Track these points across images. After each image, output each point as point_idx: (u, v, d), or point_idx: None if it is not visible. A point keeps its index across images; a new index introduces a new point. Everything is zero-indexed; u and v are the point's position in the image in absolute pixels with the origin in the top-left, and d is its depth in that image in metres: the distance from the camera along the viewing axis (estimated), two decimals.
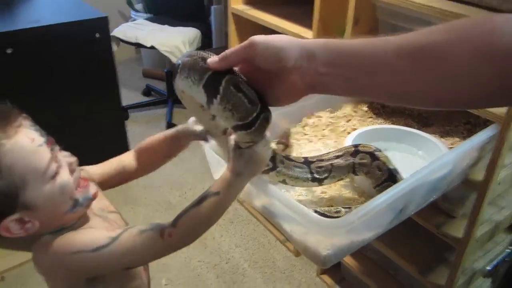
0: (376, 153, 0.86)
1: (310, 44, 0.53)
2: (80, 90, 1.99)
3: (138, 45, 2.61)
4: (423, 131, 1.06)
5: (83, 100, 2.02)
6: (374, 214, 0.72)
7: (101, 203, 0.81)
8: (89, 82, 2.01)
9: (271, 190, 0.75)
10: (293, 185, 0.87)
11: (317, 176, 0.85)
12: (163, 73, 3.01)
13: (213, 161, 1.00)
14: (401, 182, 0.78)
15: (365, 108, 1.16)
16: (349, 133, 1.02)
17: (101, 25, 1.97)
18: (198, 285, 1.69)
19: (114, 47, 2.61)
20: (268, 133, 0.64)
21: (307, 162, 0.85)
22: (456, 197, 1.12)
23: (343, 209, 0.76)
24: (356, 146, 0.88)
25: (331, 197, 0.88)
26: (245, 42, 0.55)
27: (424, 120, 1.16)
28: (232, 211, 2.04)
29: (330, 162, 0.86)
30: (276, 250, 1.83)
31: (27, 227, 0.66)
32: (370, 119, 1.13)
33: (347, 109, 1.13)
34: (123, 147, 2.20)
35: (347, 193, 0.90)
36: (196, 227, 0.68)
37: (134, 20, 2.98)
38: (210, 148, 0.89)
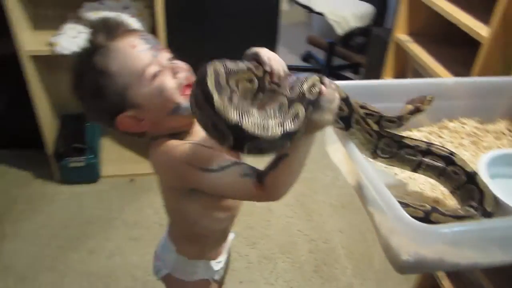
0: (452, 157, 0.75)
1: None
2: (239, 35, 2.08)
3: (309, 9, 2.61)
4: None
5: (237, 44, 2.11)
6: (489, 236, 0.63)
7: None
8: (250, 32, 2.10)
9: (365, 170, 0.71)
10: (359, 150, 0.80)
11: (379, 153, 0.78)
12: (326, 43, 2.99)
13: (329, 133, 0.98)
14: None
15: None
16: None
17: None
18: (291, 251, 1.71)
19: (286, 6, 2.67)
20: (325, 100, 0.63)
21: (379, 134, 0.77)
22: None
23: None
24: (429, 144, 0.77)
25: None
26: None
27: None
28: (348, 196, 1.98)
29: (397, 150, 0.77)
30: (376, 250, 1.74)
31: (142, 124, 0.76)
32: None
33: (501, 124, 0.97)
34: None
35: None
36: (280, 186, 0.72)
37: None
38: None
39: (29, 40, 1.66)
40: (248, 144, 0.57)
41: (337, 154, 0.99)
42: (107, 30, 0.75)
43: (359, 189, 0.85)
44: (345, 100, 0.72)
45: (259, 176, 0.71)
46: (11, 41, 1.58)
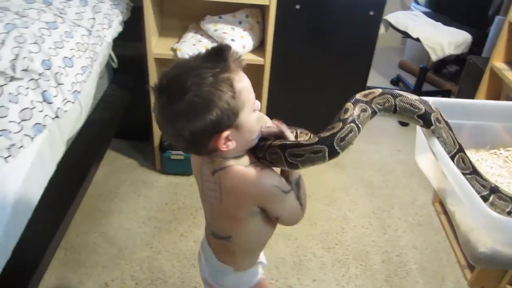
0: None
1: None
2: (337, 53, 2.22)
3: (405, 34, 2.69)
4: None
5: (336, 63, 2.25)
6: None
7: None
8: (347, 51, 2.23)
9: (446, 163, 0.80)
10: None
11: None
12: (418, 68, 3.02)
13: (419, 143, 1.08)
14: None
15: None
16: None
17: (378, 5, 2.13)
18: (364, 259, 1.78)
19: (382, 30, 2.76)
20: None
21: (460, 148, 0.88)
22: None
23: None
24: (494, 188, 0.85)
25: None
26: None
27: None
28: (426, 217, 2.01)
29: (470, 174, 0.86)
30: (450, 270, 1.76)
31: (228, 144, 0.81)
32: None
33: None
34: None
35: None
36: (305, 205, 0.93)
37: (412, 11, 3.04)
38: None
39: (156, 45, 1.93)
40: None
41: (424, 161, 1.09)
42: (236, 56, 0.80)
43: (442, 191, 0.94)
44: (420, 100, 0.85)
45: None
46: (142, 45, 1.85)
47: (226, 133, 0.79)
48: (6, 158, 1.11)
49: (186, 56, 1.81)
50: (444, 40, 2.49)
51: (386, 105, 0.86)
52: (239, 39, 1.89)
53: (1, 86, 1.19)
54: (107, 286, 1.61)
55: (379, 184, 2.21)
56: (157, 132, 2.10)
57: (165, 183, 2.14)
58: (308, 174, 2.16)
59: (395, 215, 2.02)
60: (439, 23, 2.68)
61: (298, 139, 0.94)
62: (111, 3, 1.86)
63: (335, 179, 2.22)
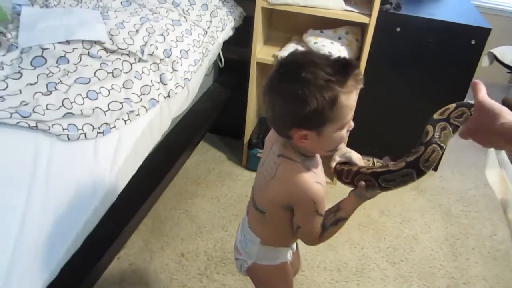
0: None
1: None
2: (432, 79, 2.25)
3: (509, 69, 2.61)
4: None
5: (429, 89, 2.27)
6: None
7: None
8: (442, 77, 2.24)
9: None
10: None
11: None
12: None
13: (490, 157, 1.12)
14: None
15: None
16: None
17: (481, 35, 2.12)
18: (428, 279, 1.78)
19: (486, 63, 2.71)
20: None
21: None
22: None
23: None
24: None
25: None
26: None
27: None
28: (502, 253, 1.94)
29: None
30: None
31: (303, 141, 0.88)
32: None
33: None
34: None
35: None
36: (330, 237, 1.03)
37: None
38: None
39: (260, 51, 2.13)
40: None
41: (493, 176, 1.13)
42: (358, 77, 0.84)
43: (505, 201, 0.98)
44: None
45: (322, 228, 1.00)
46: (248, 50, 2.06)
47: (305, 132, 0.86)
48: (125, 120, 1.36)
49: None
50: None
51: (464, 116, 0.92)
52: (336, 53, 2.02)
53: (131, 64, 1.45)
54: (183, 255, 1.81)
55: (457, 213, 2.17)
56: (248, 130, 2.30)
57: (248, 177, 2.31)
58: (386, 192, 2.21)
59: (469, 245, 1.98)
60: None
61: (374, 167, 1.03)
62: (227, 10, 2.11)
63: (412, 200, 2.23)
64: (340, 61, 0.84)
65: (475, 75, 2.23)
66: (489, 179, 1.17)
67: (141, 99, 1.44)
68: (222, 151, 2.50)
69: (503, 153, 1.03)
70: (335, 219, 1.00)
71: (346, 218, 1.01)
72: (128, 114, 1.37)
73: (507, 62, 2.59)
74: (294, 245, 1.22)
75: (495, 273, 1.84)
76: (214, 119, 2.09)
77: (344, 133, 0.90)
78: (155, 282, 1.68)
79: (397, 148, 2.45)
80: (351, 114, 0.87)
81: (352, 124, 0.91)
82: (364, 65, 1.98)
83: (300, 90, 0.82)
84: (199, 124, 1.92)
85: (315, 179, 0.94)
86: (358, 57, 2.11)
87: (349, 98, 0.84)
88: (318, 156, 1.00)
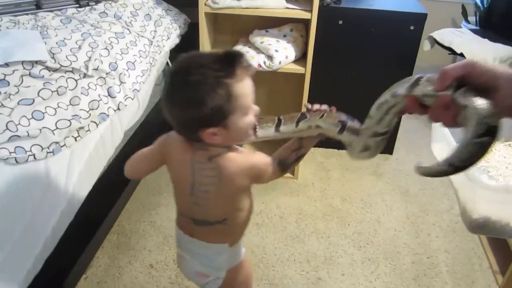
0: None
1: None
2: (376, 67, 2.34)
3: (450, 50, 2.74)
4: None
5: (374, 77, 2.36)
6: None
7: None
8: (387, 65, 2.33)
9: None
10: None
11: None
12: None
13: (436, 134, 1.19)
14: None
15: None
16: None
17: (419, 20, 2.23)
18: (394, 259, 1.85)
19: (427, 47, 2.83)
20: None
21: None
22: None
23: None
24: None
25: None
26: (463, 62, 0.63)
27: None
28: (461, 224, 2.03)
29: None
30: (482, 274, 1.77)
31: (214, 138, 0.90)
32: None
33: None
34: (393, 136, 2.47)
35: None
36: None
37: (460, 28, 3.08)
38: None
39: None
40: None
41: (439, 149, 1.19)
42: (245, 64, 0.87)
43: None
44: None
45: (282, 166, 1.01)
46: None
47: (212, 130, 0.88)
48: (75, 138, 1.34)
49: None
50: (488, 55, 2.51)
51: None
52: (282, 50, 2.07)
53: (76, 80, 1.44)
54: (152, 267, 1.80)
55: (415, 192, 2.26)
56: None
57: None
58: (345, 180, 2.28)
59: (429, 221, 2.06)
60: (486, 40, 2.70)
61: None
62: (171, 18, 2.12)
63: (371, 185, 2.30)
64: (224, 55, 0.87)
65: (418, 58, 2.33)
66: (435, 153, 1.23)
67: (90, 115, 1.42)
68: None
69: (445, 128, 1.09)
70: (297, 156, 1.02)
71: (306, 153, 1.03)
72: (77, 130, 1.35)
73: (446, 44, 2.71)
74: None
75: (455, 244, 1.92)
76: (169, 129, 2.09)
77: (251, 118, 0.92)
78: None
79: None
80: (249, 99, 0.90)
81: (255, 108, 0.93)
82: (310, 60, 2.04)
83: (193, 94, 0.85)
84: (153, 135, 1.91)
85: (244, 151, 0.98)
86: (305, 53, 2.16)
87: (243, 86, 0.87)
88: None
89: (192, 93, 0.85)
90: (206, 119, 0.87)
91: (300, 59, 2.16)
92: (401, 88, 0.72)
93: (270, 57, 2.05)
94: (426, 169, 0.63)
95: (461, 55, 2.61)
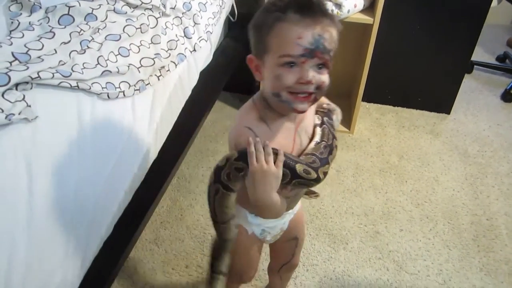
0: None
1: None
2: (445, 23, 2.24)
3: None
4: None
5: (442, 33, 2.26)
6: None
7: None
8: (455, 21, 2.23)
9: None
10: None
11: None
12: None
13: None
14: None
15: None
16: None
17: None
18: (452, 218, 1.84)
19: (495, 2, 2.68)
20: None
21: None
22: None
23: None
24: None
25: None
26: None
27: None
28: None
29: None
30: None
31: (256, 73, 0.88)
32: None
33: None
34: (452, 96, 2.40)
35: None
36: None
37: None
38: None
39: None
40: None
41: None
42: (308, 12, 0.80)
43: None
44: None
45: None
46: (259, 3, 2.01)
47: (255, 61, 0.86)
48: (158, 76, 1.34)
49: None
50: None
51: None
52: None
53: (157, 18, 1.42)
54: None
55: (474, 154, 2.22)
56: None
57: None
58: (401, 137, 2.25)
59: (488, 183, 2.03)
60: None
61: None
62: None
63: (428, 144, 2.26)
64: None
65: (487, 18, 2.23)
66: None
67: (170, 54, 1.41)
68: (236, 107, 2.49)
69: None
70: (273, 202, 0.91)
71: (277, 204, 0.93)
72: (159, 70, 1.35)
73: None
74: (270, 223, 1.11)
75: None
76: (231, 73, 2.06)
77: (283, 74, 0.81)
78: (190, 237, 1.72)
79: (409, 92, 2.46)
80: (288, 49, 0.79)
81: (298, 70, 0.81)
82: (380, 10, 1.95)
83: (256, 17, 0.86)
84: (219, 78, 1.90)
85: (253, 126, 0.89)
86: (372, 2, 2.07)
87: (289, 30, 0.79)
88: (297, 126, 0.95)
89: (256, 17, 0.86)
90: (253, 44, 0.87)
91: (368, 8, 2.08)
92: None
93: (338, 5, 1.98)
94: None
95: None
